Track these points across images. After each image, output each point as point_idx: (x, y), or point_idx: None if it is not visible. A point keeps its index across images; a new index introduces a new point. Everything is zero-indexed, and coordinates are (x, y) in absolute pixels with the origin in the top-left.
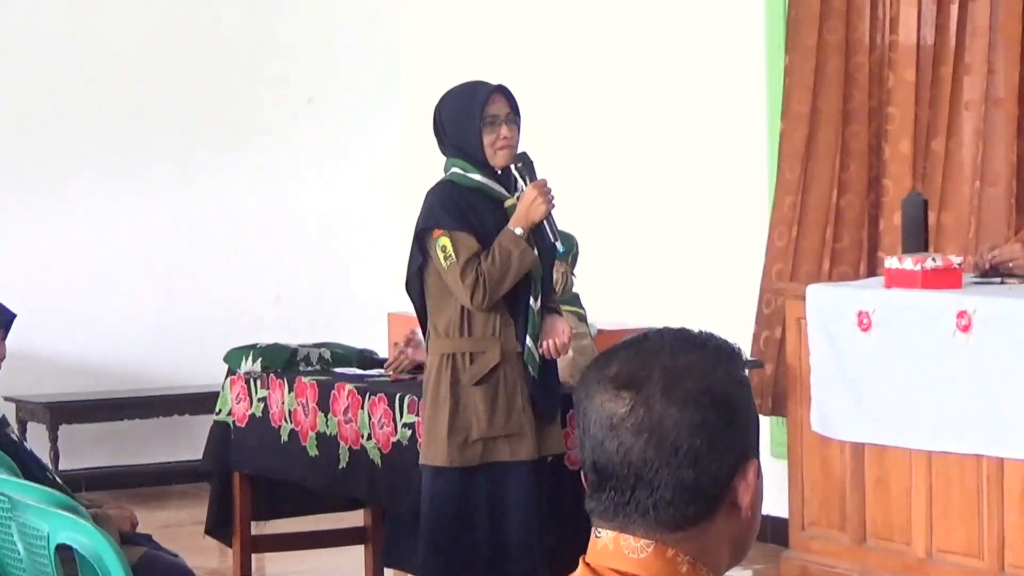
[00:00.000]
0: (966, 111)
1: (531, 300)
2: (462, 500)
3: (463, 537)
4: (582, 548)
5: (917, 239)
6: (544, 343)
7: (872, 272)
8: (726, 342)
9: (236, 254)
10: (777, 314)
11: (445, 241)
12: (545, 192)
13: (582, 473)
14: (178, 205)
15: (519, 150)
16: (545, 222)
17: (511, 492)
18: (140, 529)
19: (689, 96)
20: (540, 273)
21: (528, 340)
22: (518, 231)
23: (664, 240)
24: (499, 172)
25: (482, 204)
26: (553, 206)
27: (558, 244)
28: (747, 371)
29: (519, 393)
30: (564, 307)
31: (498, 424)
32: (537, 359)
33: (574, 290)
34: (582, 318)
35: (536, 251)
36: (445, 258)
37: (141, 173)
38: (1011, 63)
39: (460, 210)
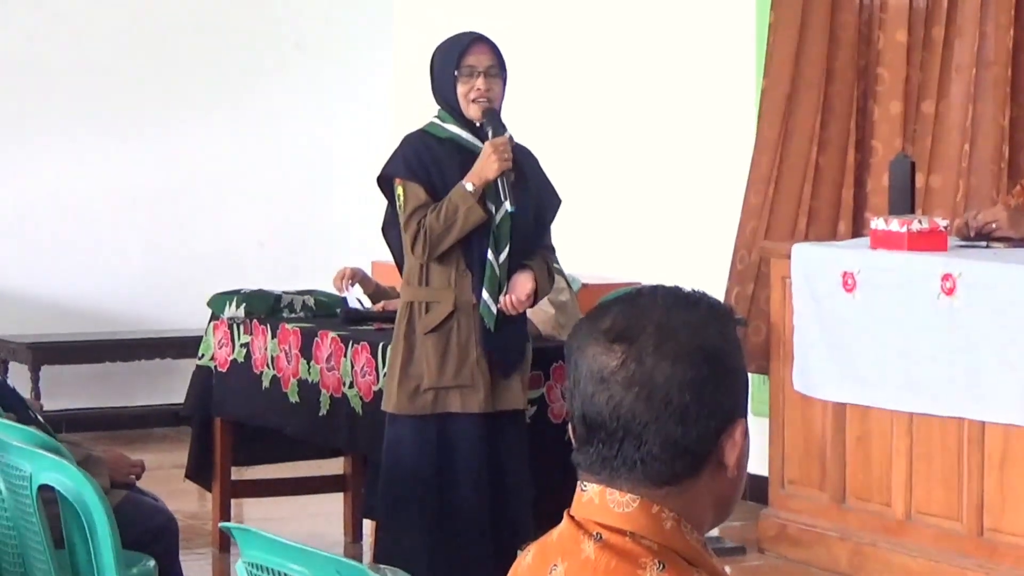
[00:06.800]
0: (956, 74)
1: (489, 254)
2: (413, 448)
3: (415, 486)
4: (566, 502)
5: (904, 201)
6: (504, 298)
7: (858, 233)
8: (719, 302)
9: (221, 198)
10: (750, 271)
11: (400, 191)
12: (500, 150)
13: (569, 426)
14: (164, 148)
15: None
16: (499, 181)
17: (461, 443)
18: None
19: (676, 53)
20: (507, 228)
21: (484, 294)
22: (469, 187)
23: (650, 196)
24: (477, 124)
25: (452, 155)
26: (508, 166)
27: (507, 205)
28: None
29: (473, 345)
30: None
31: (448, 374)
32: (493, 312)
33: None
34: (559, 273)
35: (506, 207)
36: (399, 208)
37: (128, 116)
38: (1002, 26)
39: (421, 161)
